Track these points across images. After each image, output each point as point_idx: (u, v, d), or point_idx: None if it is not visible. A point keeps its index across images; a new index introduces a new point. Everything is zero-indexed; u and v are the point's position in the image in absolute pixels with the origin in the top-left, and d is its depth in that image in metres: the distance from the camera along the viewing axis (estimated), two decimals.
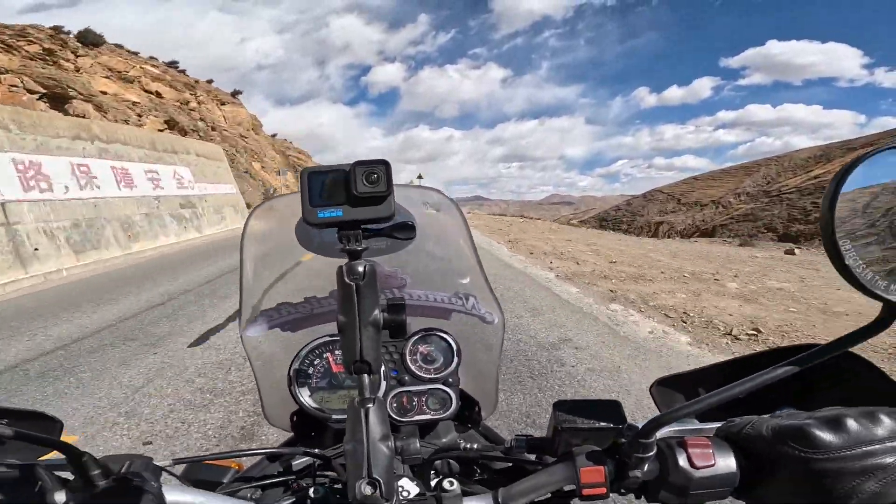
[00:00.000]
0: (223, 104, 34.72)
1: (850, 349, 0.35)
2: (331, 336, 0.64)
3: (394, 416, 0.60)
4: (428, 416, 0.60)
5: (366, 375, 0.41)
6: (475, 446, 0.50)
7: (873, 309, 0.32)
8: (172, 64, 33.23)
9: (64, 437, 0.42)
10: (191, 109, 26.49)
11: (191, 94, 27.41)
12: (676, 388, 0.51)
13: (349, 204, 0.42)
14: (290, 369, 0.63)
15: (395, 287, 0.65)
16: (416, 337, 0.63)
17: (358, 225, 0.42)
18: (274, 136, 47.97)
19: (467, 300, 0.65)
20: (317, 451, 0.52)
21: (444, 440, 0.62)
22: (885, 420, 0.36)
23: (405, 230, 0.46)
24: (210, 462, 0.57)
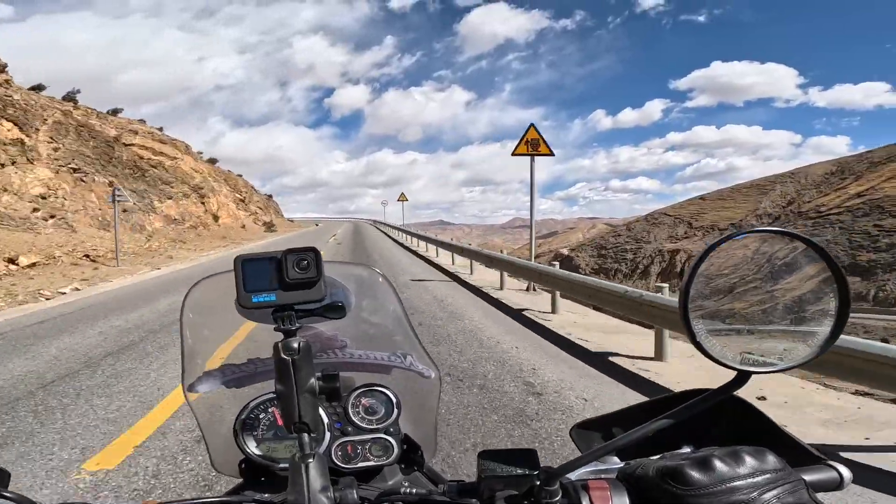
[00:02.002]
0: None
1: (738, 395, 0.43)
2: (275, 392, 0.63)
3: (339, 463, 0.65)
4: (372, 463, 0.66)
5: (305, 434, 0.47)
6: (413, 490, 0.56)
7: None
8: None
9: None
10: None
11: None
12: (595, 430, 0.56)
13: (282, 289, 0.47)
14: (236, 422, 0.66)
15: (337, 348, 0.70)
16: (359, 391, 0.68)
17: (291, 307, 0.48)
18: (117, 111, 25.61)
19: (405, 358, 0.71)
20: (266, 495, 0.56)
21: (389, 483, 0.67)
22: (748, 459, 0.41)
23: (335, 310, 0.53)
24: None
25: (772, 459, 0.41)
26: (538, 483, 0.46)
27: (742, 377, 0.38)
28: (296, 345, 0.46)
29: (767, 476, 0.40)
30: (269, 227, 34.40)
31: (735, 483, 0.39)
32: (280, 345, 0.46)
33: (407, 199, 27.19)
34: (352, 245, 21.06)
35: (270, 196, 61.47)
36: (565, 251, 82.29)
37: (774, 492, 0.39)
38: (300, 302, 0.48)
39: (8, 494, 0.42)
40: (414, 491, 0.55)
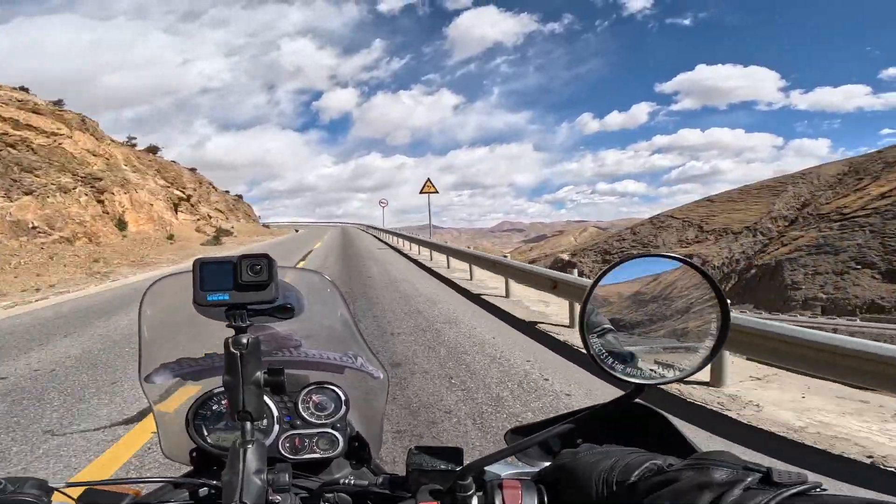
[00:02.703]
0: None
1: (642, 402, 0.49)
2: (223, 383, 0.64)
3: (286, 454, 0.68)
4: (317, 455, 0.69)
5: (248, 423, 0.52)
6: (352, 481, 0.60)
7: None
8: None
9: None
10: None
11: None
12: (527, 434, 0.59)
13: (235, 289, 0.52)
14: (188, 411, 0.69)
15: (291, 347, 0.73)
16: (310, 388, 0.71)
17: (243, 307, 0.52)
18: None
19: (356, 359, 0.75)
20: (214, 482, 0.58)
21: (336, 475, 0.70)
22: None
23: (285, 311, 0.57)
24: (107, 488, 0.61)
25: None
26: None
27: (637, 388, 0.42)
28: (245, 340, 0.51)
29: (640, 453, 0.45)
30: (219, 236, 25.06)
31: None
32: (230, 340, 0.51)
33: (436, 191, 16.92)
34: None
35: (240, 196, 50.77)
36: (565, 256, 76.48)
37: (636, 455, 0.43)
38: (252, 302, 0.52)
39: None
40: (353, 481, 0.60)
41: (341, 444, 0.68)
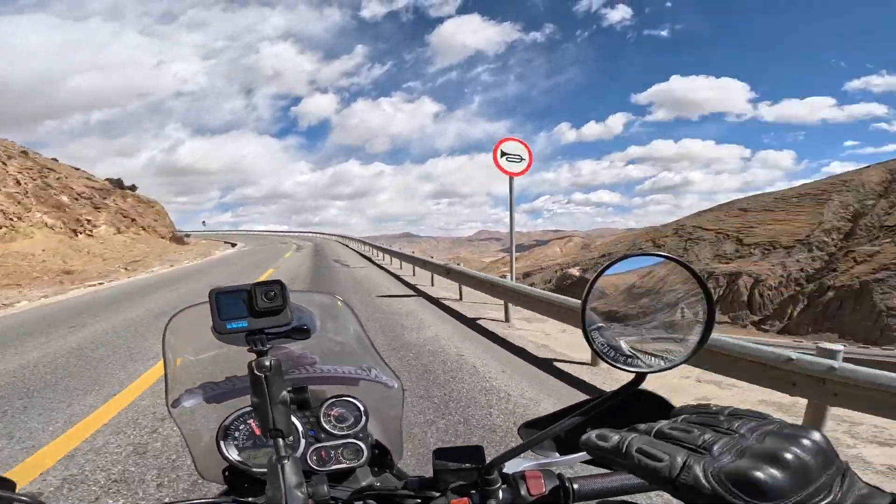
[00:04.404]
0: None
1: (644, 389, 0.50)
2: (251, 405, 0.68)
3: (314, 466, 0.71)
4: (344, 465, 0.72)
5: (280, 439, 0.54)
6: (368, 484, 0.66)
7: None
8: None
9: None
10: None
11: None
12: (539, 427, 0.60)
13: (252, 316, 0.55)
14: (218, 432, 0.73)
15: (307, 365, 0.77)
16: (329, 402, 0.75)
17: (262, 332, 0.55)
18: None
19: (370, 371, 0.78)
20: (250, 499, 0.63)
21: (362, 484, 0.73)
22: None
23: (301, 332, 0.61)
24: None
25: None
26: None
27: (639, 377, 0.45)
28: (268, 363, 0.53)
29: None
30: None
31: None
32: (254, 363, 0.54)
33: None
34: None
35: (133, 187, 27.82)
36: (575, 271, 63.67)
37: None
38: (269, 327, 0.55)
39: (24, 498, 0.49)
40: (369, 484, 0.66)
41: (365, 452, 0.72)
